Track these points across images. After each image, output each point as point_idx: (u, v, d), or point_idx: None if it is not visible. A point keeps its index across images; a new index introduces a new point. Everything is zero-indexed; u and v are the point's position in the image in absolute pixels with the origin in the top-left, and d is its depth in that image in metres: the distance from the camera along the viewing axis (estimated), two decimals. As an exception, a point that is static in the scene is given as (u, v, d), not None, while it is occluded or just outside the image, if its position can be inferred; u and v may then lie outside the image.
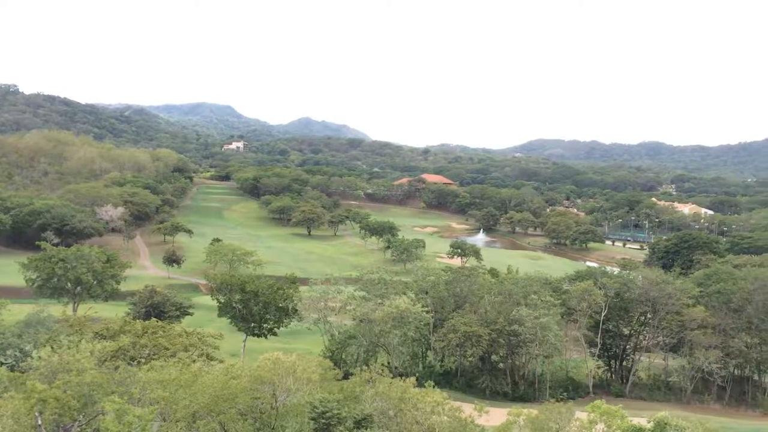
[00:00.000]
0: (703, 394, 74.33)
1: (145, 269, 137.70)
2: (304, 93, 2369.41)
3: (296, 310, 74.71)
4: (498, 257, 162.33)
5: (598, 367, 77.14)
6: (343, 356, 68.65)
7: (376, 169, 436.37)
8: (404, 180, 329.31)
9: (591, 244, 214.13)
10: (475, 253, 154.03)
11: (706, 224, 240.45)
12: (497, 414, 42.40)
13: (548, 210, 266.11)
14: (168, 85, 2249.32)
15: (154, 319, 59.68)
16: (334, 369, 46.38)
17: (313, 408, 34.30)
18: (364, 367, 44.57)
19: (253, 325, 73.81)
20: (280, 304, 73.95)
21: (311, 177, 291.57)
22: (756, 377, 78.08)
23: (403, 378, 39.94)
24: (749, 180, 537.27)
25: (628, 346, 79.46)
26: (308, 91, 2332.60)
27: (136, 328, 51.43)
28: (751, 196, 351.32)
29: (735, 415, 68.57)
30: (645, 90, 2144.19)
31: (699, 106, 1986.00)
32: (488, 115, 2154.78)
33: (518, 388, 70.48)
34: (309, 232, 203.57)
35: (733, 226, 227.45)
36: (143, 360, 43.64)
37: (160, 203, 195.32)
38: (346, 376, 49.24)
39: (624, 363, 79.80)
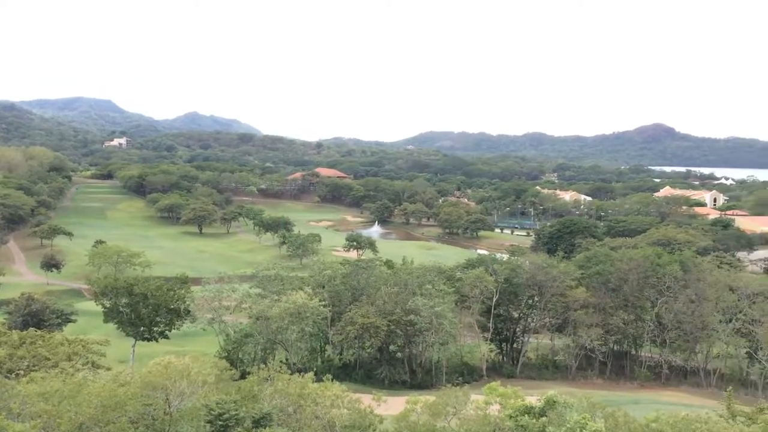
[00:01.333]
0: (587, 370, 78.89)
1: (21, 276, 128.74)
2: (190, 87, 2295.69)
3: (188, 311, 72.43)
4: (393, 248, 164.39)
5: (491, 351, 79.92)
6: (240, 355, 67.34)
7: (268, 164, 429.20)
8: (298, 174, 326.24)
9: (482, 233, 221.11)
10: (371, 245, 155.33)
11: (586, 210, 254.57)
12: (396, 402, 43.02)
13: (440, 200, 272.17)
14: (40, 79, 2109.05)
15: (33, 328, 55.98)
16: (231, 369, 45.45)
17: (209, 410, 33.41)
18: (262, 366, 43.95)
19: (142, 329, 70.83)
20: (171, 306, 71.40)
21: (201, 173, 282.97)
22: (633, 351, 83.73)
23: (302, 374, 39.76)
24: (622, 167, 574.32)
25: (517, 329, 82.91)
26: (195, 84, 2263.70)
27: (13, 339, 48.08)
28: (624, 182, 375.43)
29: (615, 388, 73.28)
30: (528, 83, 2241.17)
31: (577, 98, 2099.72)
32: (380, 109, 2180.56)
33: (416, 376, 71.82)
34: (200, 230, 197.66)
35: (609, 211, 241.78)
36: (22, 372, 40.94)
37: (36, 205, 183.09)
38: (243, 375, 48.32)
39: (514, 345, 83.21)
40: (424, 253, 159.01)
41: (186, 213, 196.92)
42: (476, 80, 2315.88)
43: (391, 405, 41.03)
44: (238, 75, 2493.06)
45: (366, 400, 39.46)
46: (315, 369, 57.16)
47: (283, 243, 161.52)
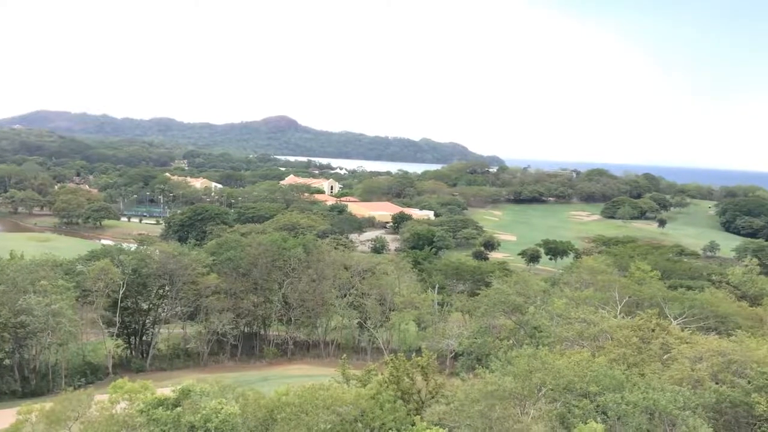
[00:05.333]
0: (219, 354, 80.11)
1: None
2: None
3: None
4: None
5: (117, 346, 75.68)
6: None
7: None
8: None
9: (106, 222, 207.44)
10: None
11: (217, 197, 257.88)
12: (6, 416, 37.64)
13: (57, 187, 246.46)
14: None
15: None
16: None
17: None
18: None
19: None
20: None
21: None
22: (262, 331, 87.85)
23: None
24: (251, 156, 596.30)
25: (147, 321, 79.78)
26: None
27: None
28: (253, 171, 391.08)
29: (246, 368, 75.97)
30: (154, 65, 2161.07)
31: (206, 85, 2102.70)
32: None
33: (29, 384, 64.04)
34: None
35: (240, 198, 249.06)
36: None
37: None
38: None
39: (144, 338, 79.97)
40: (38, 245, 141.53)
41: None
42: (97, 58, 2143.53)
43: (0, 419, 35.71)
44: None
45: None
46: None
47: None
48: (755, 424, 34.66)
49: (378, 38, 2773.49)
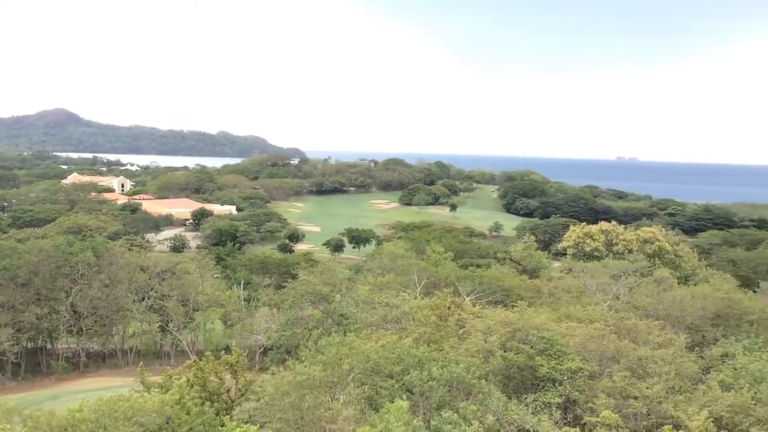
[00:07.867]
0: (-2, 376, 71.72)
1: None
2: None
3: None
4: None
5: None
6: None
7: None
8: None
9: None
10: None
11: None
12: None
13: None
14: None
15: None
16: None
17: None
18: None
19: None
20: None
21: None
22: (49, 345, 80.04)
23: None
24: (26, 153, 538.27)
25: None
26: None
27: None
28: (29, 170, 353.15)
29: (32, 388, 68.85)
30: None
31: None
32: None
33: None
34: None
35: (14, 201, 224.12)
36: None
37: None
38: None
39: None
40: None
41: None
42: None
43: None
44: None
45: None
46: None
47: None
48: (539, 384, 38.60)
49: (165, 25, 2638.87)
